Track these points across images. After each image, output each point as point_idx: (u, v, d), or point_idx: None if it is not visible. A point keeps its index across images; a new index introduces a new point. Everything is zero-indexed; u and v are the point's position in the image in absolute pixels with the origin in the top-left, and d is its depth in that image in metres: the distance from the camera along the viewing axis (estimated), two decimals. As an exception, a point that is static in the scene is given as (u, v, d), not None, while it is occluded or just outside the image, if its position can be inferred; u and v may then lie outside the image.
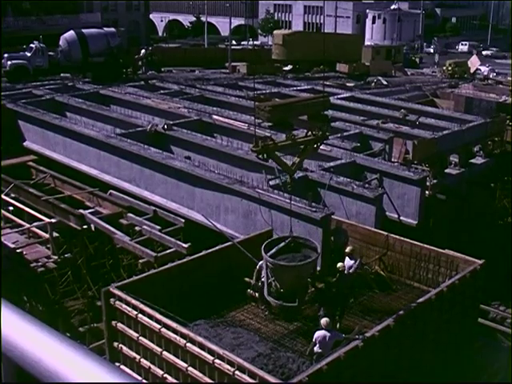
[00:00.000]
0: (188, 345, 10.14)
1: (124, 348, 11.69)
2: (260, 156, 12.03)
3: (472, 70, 53.63)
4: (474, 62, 55.38)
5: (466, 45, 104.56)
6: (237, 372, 9.36)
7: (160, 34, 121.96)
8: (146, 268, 16.60)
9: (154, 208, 20.20)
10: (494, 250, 21.78)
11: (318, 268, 14.43)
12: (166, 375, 10.83)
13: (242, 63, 48.47)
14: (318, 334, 11.15)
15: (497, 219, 29.00)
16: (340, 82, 44.53)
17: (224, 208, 19.61)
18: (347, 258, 13.78)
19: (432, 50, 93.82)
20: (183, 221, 19.34)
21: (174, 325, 10.48)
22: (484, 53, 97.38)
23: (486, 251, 16.88)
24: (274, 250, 12.19)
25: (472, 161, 28.42)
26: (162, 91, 35.56)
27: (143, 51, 45.99)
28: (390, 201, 20.62)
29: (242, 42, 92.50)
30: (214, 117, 28.36)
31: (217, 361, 9.67)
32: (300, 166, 13.80)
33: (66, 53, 39.79)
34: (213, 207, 20.02)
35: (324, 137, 12.88)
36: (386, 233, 15.56)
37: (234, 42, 73.15)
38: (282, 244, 12.42)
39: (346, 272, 13.30)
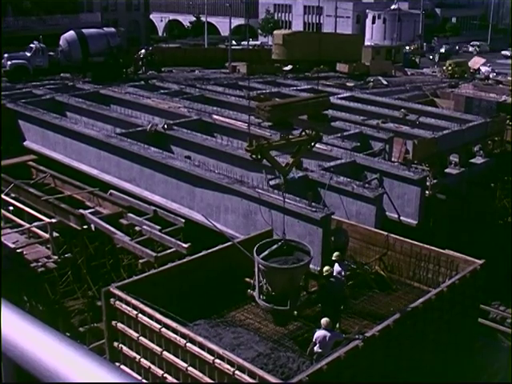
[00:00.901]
0: (188, 345, 10.13)
1: (124, 348, 11.69)
2: (254, 156, 11.93)
3: (476, 67, 53.64)
4: (476, 61, 55.39)
5: (475, 46, 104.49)
6: (237, 372, 9.36)
7: (160, 33, 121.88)
8: (146, 268, 16.59)
9: (154, 208, 20.20)
10: (494, 250, 21.78)
11: (318, 268, 14.43)
12: (165, 375, 10.83)
13: (241, 63, 48.48)
14: (318, 333, 11.14)
15: (497, 219, 28.99)
16: (340, 82, 44.55)
17: (224, 208, 19.60)
18: (336, 264, 13.68)
19: (443, 50, 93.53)
20: (183, 221, 19.34)
21: (173, 325, 10.47)
22: (503, 53, 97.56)
23: (486, 251, 16.88)
24: (266, 253, 12.10)
25: (472, 161, 28.42)
26: (161, 91, 35.57)
27: (143, 51, 46.01)
28: (390, 201, 20.61)
29: (242, 42, 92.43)
30: (214, 116, 28.36)
31: (217, 361, 9.66)
32: (294, 166, 13.68)
33: (66, 53, 39.80)
34: (213, 207, 20.02)
35: (318, 137, 12.83)
36: (385, 233, 15.56)
37: (233, 42, 73.11)
38: (275, 246, 12.34)
39: (335, 275, 13.26)
